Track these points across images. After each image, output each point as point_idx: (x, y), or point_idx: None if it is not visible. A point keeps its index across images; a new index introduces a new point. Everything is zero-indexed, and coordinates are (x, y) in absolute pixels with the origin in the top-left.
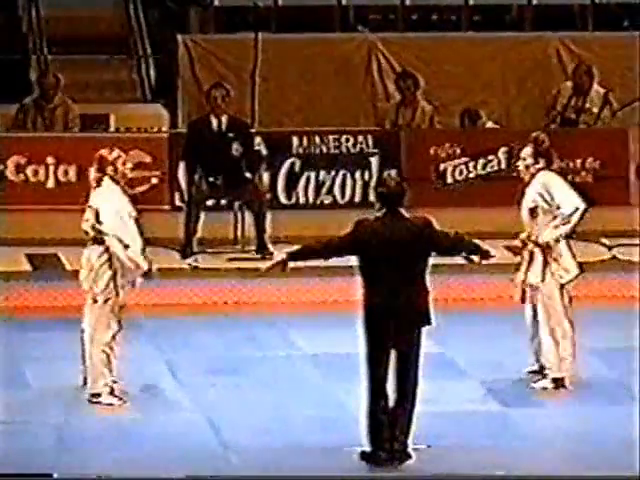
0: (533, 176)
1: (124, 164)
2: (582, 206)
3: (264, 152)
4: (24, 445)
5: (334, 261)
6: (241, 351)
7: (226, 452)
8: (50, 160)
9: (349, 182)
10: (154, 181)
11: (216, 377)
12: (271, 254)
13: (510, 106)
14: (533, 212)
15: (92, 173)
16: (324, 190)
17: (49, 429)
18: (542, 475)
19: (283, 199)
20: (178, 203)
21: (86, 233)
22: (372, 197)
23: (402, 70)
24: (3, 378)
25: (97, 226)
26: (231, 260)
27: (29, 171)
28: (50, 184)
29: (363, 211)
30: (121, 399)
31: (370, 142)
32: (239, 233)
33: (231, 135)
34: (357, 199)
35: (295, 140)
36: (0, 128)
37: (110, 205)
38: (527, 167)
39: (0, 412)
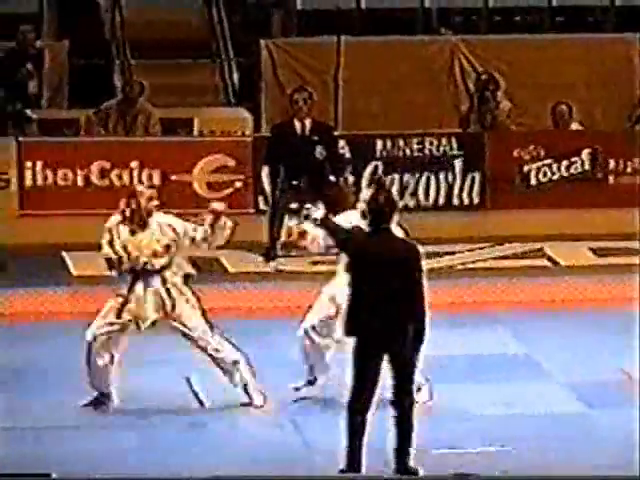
0: None
1: (149, 200)
2: None
3: (348, 155)
4: (104, 446)
5: None
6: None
7: (309, 452)
8: (134, 164)
9: (433, 184)
10: (238, 185)
11: (299, 379)
12: None
13: (593, 108)
14: None
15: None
16: (408, 192)
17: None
18: (543, 475)
19: None
20: (262, 207)
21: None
22: (456, 200)
23: (482, 71)
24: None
25: None
26: (314, 263)
27: (113, 176)
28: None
29: (447, 213)
30: (201, 401)
31: (454, 144)
32: None
33: (315, 138)
34: (441, 201)
35: (379, 143)
36: (83, 132)
37: None
38: None
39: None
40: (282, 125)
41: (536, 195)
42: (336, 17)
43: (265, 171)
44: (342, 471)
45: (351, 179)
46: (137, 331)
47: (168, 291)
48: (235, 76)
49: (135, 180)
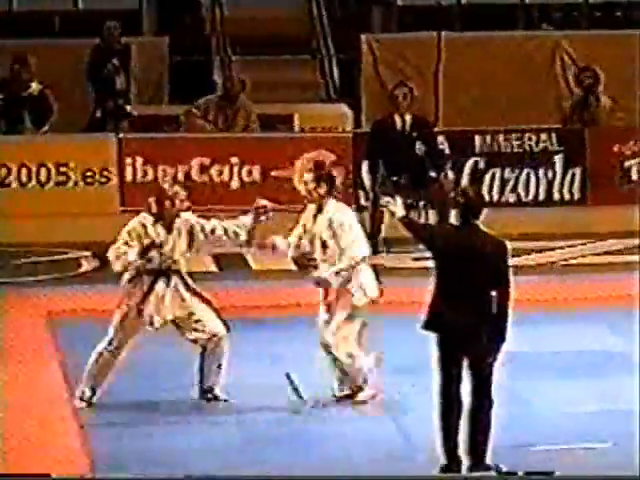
0: None
1: (182, 201)
2: None
3: (447, 151)
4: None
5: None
6: (429, 350)
7: (413, 451)
8: (234, 160)
9: (533, 180)
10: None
11: (405, 376)
12: None
13: None
14: None
15: (152, 205)
16: (508, 188)
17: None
18: (542, 475)
19: None
20: (363, 202)
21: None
22: (557, 195)
23: (583, 66)
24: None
25: None
26: (416, 259)
27: (214, 171)
28: (234, 185)
29: (548, 209)
30: (300, 396)
31: (554, 140)
32: None
33: (415, 134)
34: (541, 197)
35: (478, 139)
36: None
37: None
38: None
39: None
40: (382, 121)
41: (637, 190)
42: (436, 12)
43: (365, 167)
44: (443, 467)
45: (451, 175)
46: (150, 329)
47: (188, 290)
48: (335, 72)
49: (235, 176)
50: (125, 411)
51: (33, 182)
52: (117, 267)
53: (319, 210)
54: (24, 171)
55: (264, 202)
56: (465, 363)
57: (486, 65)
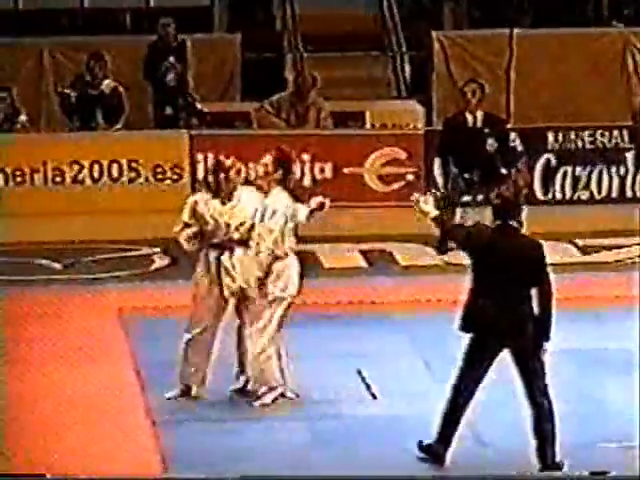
0: None
1: (238, 173)
2: None
3: (519, 148)
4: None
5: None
6: None
7: (484, 449)
8: (306, 157)
9: (605, 177)
10: (409, 178)
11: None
12: None
13: None
14: None
15: (208, 177)
16: (580, 185)
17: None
18: (542, 475)
19: (540, 194)
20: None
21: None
22: (629, 193)
23: None
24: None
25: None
26: None
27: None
28: (306, 181)
29: (620, 206)
30: (373, 394)
31: (626, 137)
32: None
33: (486, 131)
34: (614, 194)
35: (550, 135)
36: (255, 125)
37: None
38: None
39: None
40: (454, 118)
41: None
42: (507, 9)
43: (437, 164)
44: (426, 446)
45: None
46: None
47: (255, 260)
48: (407, 69)
49: (307, 173)
50: (197, 409)
51: (105, 179)
52: (190, 248)
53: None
54: (96, 168)
55: (321, 199)
56: (512, 364)
57: (557, 62)
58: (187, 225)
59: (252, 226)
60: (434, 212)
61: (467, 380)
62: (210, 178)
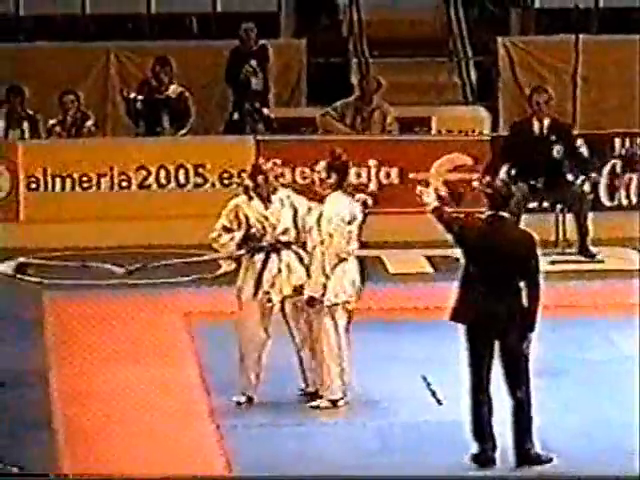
0: None
1: (277, 178)
2: None
3: (586, 154)
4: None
5: None
6: (562, 353)
7: (546, 453)
8: (372, 163)
9: None
10: (475, 184)
11: (537, 379)
12: (593, 256)
13: None
14: None
15: (246, 180)
16: None
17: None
18: (542, 475)
19: (605, 201)
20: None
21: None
22: None
23: None
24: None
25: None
26: (553, 263)
27: (351, 174)
28: (372, 187)
29: None
30: (439, 400)
31: None
32: (561, 235)
33: (552, 138)
34: None
35: (617, 141)
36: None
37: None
38: None
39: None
40: (520, 124)
41: None
42: (574, 15)
43: (503, 170)
44: (474, 455)
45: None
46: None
47: (301, 263)
48: (473, 75)
49: (373, 178)
50: (262, 412)
51: (172, 184)
52: (229, 253)
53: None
54: (163, 173)
55: (363, 196)
56: (497, 356)
57: (624, 68)
58: (228, 230)
59: (297, 229)
60: (434, 203)
61: (476, 374)
62: (248, 181)
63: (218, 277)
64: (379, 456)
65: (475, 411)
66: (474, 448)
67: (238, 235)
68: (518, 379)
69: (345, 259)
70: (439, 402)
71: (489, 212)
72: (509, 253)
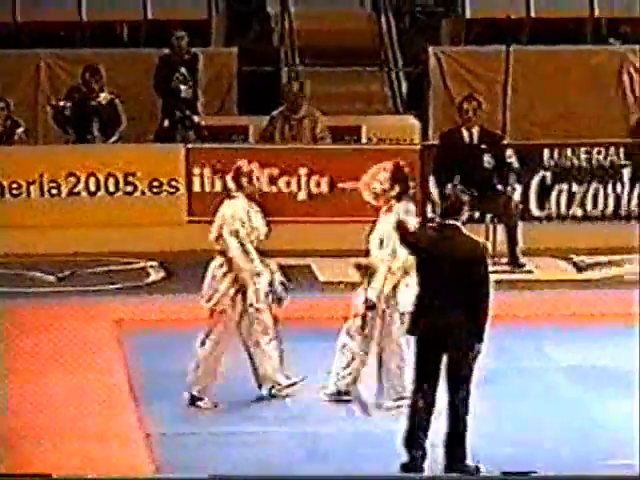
0: None
1: (259, 179)
2: None
3: (516, 164)
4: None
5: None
6: (493, 362)
7: (474, 462)
8: (303, 172)
9: (601, 194)
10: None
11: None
12: (523, 266)
13: None
14: None
15: (228, 182)
16: (576, 202)
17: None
18: (542, 475)
19: (535, 211)
20: (430, 215)
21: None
22: (624, 210)
23: None
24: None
25: (224, 237)
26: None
27: (282, 182)
28: (302, 196)
29: (615, 223)
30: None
31: (622, 154)
32: (490, 245)
33: (483, 147)
34: (609, 211)
35: (546, 152)
36: (252, 139)
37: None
38: None
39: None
40: (450, 133)
41: None
42: (505, 25)
43: (433, 179)
44: (404, 465)
45: (518, 188)
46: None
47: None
48: (403, 84)
49: (303, 187)
50: (191, 420)
51: (102, 192)
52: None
53: (388, 209)
54: (92, 180)
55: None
56: (444, 364)
57: (555, 79)
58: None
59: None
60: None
61: (420, 383)
62: (231, 184)
63: (148, 285)
64: (305, 465)
65: (413, 419)
66: (404, 457)
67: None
68: (459, 389)
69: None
70: (367, 413)
71: (440, 220)
72: (459, 261)
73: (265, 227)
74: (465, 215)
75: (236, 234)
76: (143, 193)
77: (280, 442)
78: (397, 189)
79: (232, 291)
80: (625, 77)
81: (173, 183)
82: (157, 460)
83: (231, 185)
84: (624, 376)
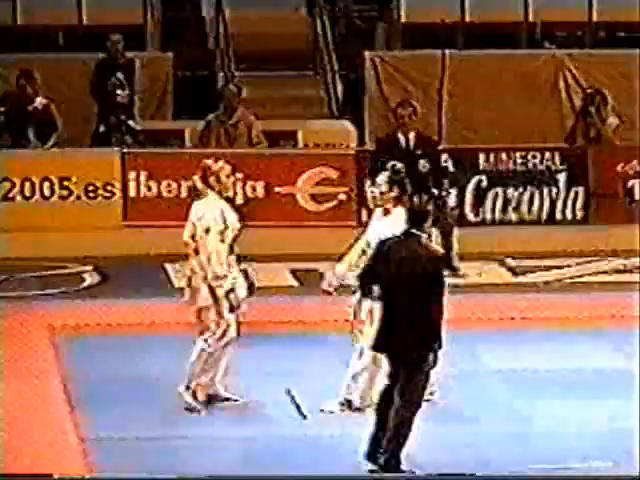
0: None
1: (228, 177)
2: None
3: (451, 169)
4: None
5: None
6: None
7: (409, 467)
8: (238, 176)
9: (536, 199)
10: (341, 197)
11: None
12: (458, 270)
13: None
14: None
15: (197, 182)
16: (511, 207)
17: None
18: (542, 475)
19: (470, 215)
20: (365, 219)
21: (186, 244)
22: (559, 214)
23: (590, 87)
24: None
25: (204, 237)
26: None
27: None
28: (238, 200)
29: (551, 227)
30: (303, 414)
31: (557, 159)
32: None
33: (418, 152)
34: (544, 216)
35: (482, 157)
36: (188, 144)
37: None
38: None
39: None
40: (386, 138)
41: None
42: (441, 30)
43: (369, 184)
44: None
45: (453, 192)
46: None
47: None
48: (339, 89)
49: (239, 192)
50: (127, 426)
51: (37, 196)
52: None
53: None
54: (28, 185)
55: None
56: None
57: (490, 83)
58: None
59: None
60: None
61: (383, 396)
62: (200, 184)
63: (83, 290)
64: (241, 470)
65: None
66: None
67: None
68: (414, 392)
69: None
70: (303, 416)
71: (405, 228)
72: (417, 269)
73: (239, 223)
74: (429, 224)
75: (207, 231)
76: (78, 198)
77: (218, 446)
78: (395, 192)
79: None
80: (561, 81)
81: (109, 188)
82: (91, 465)
83: (199, 185)
84: (559, 380)
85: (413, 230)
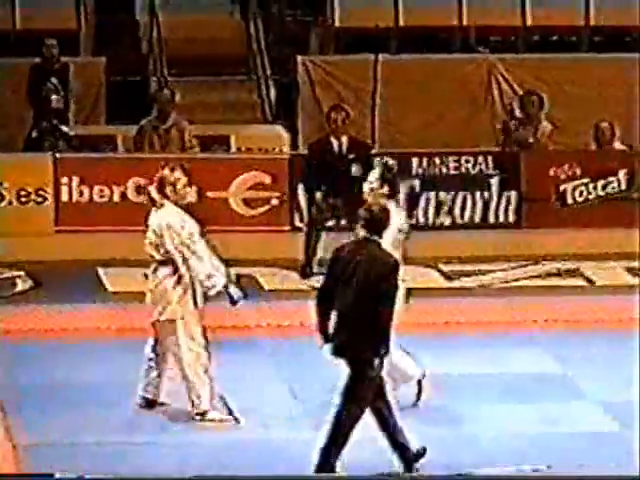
0: None
1: (184, 186)
2: None
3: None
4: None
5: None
6: None
7: (344, 472)
8: None
9: (469, 203)
10: (274, 202)
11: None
12: None
13: (633, 127)
14: None
15: (152, 193)
16: (444, 211)
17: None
18: (542, 475)
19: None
20: (298, 224)
21: (152, 256)
22: (492, 218)
23: (528, 89)
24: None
25: (167, 247)
26: None
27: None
28: None
29: (483, 232)
30: (236, 418)
31: (490, 163)
32: None
33: (351, 156)
34: (477, 220)
35: (415, 161)
36: (121, 149)
37: (179, 225)
38: None
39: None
40: (319, 142)
41: (572, 214)
42: (374, 34)
43: (301, 188)
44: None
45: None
46: None
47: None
48: (272, 93)
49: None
50: (64, 431)
51: None
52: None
53: None
54: None
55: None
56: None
57: (423, 88)
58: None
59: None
60: None
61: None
62: (156, 195)
63: (15, 295)
64: (177, 475)
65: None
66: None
67: None
68: (353, 399)
69: None
70: (237, 421)
71: (362, 233)
72: (371, 274)
73: (199, 227)
74: (387, 230)
75: (181, 242)
76: (10, 203)
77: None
78: (386, 189)
79: (185, 298)
80: (494, 86)
81: (41, 193)
82: (24, 471)
83: (155, 196)
84: (494, 383)
85: (373, 237)
